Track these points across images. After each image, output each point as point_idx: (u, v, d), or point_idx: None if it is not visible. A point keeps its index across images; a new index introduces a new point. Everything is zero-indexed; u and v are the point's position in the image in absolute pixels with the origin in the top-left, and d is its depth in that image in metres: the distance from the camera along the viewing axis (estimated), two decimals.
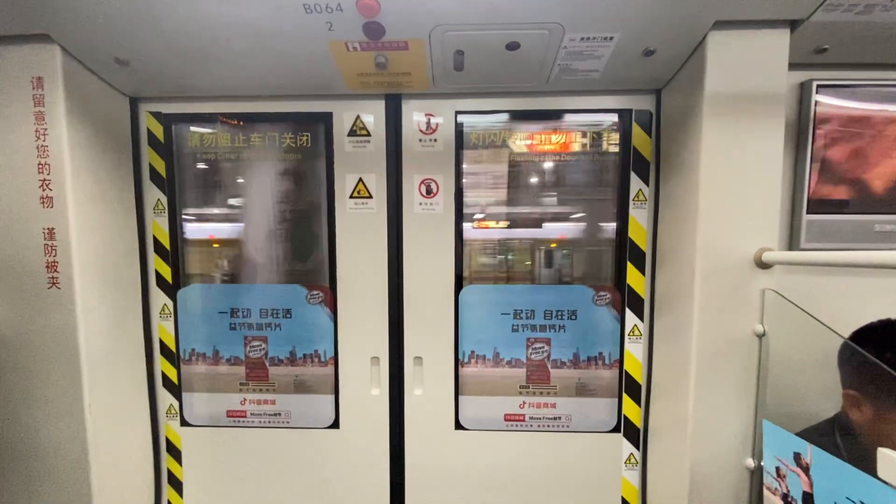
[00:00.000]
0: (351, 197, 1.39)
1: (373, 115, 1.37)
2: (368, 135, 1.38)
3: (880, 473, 0.72)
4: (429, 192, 1.38)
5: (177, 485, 1.51)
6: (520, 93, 1.35)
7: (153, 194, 1.42)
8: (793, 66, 1.06)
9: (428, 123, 1.37)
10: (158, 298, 1.46)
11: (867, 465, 0.77)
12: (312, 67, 1.20)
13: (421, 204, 1.39)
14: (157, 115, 1.39)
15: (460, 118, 1.38)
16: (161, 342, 1.47)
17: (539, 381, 1.45)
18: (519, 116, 1.39)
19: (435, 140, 1.37)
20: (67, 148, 1.12)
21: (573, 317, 1.43)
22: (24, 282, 1.14)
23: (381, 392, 1.45)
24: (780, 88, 1.05)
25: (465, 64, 1.16)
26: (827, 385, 1.01)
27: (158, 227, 1.43)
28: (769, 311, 1.08)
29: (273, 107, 1.39)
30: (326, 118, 1.38)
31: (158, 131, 1.40)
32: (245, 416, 1.49)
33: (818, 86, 1.14)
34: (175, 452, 1.50)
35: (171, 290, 1.45)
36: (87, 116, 1.19)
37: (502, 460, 1.47)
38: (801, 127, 1.16)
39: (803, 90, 1.16)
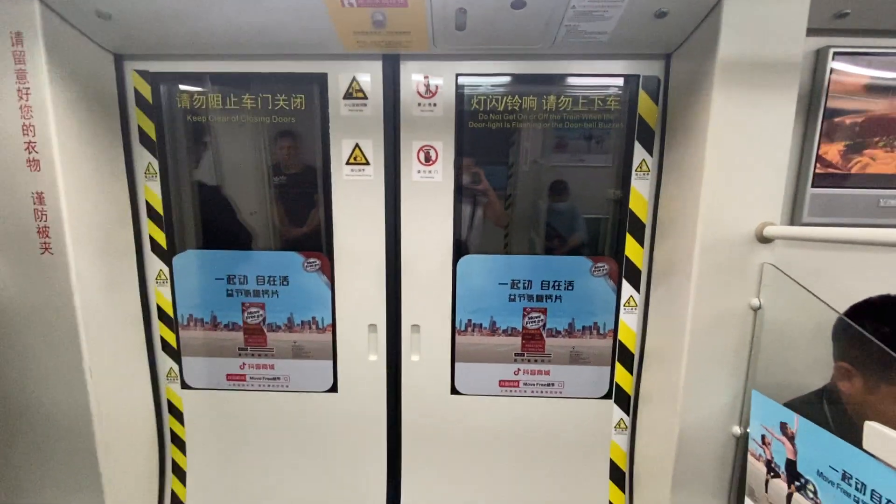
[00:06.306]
0: (347, 163, 1.36)
1: (370, 77, 1.32)
2: (365, 98, 1.33)
3: (866, 445, 0.74)
4: (427, 159, 1.35)
5: (180, 444, 1.55)
6: (524, 55, 1.29)
7: (144, 158, 1.38)
8: (810, 31, 1.01)
9: (427, 86, 1.31)
10: (154, 264, 1.44)
11: (852, 435, 0.79)
12: (305, 24, 1.13)
13: (419, 172, 1.35)
14: (144, 74, 1.33)
15: (461, 80, 1.32)
16: (158, 307, 1.47)
17: (534, 349, 1.47)
18: (522, 80, 1.33)
19: (434, 104, 1.32)
20: (51, 108, 1.07)
21: (570, 287, 1.43)
22: (18, 248, 1.13)
23: (379, 358, 1.47)
24: (796, 56, 1.01)
25: (468, 23, 1.10)
26: (817, 358, 1.02)
27: (150, 191, 1.40)
28: (767, 285, 1.08)
29: (265, 66, 1.32)
30: (321, 79, 1.32)
31: (146, 91, 1.34)
32: (245, 380, 1.51)
33: (835, 53, 1.09)
34: (177, 413, 1.54)
35: (166, 255, 1.44)
36: (70, 75, 1.14)
37: (496, 424, 1.51)
38: (814, 97, 1.12)
39: (818, 58, 1.11)
